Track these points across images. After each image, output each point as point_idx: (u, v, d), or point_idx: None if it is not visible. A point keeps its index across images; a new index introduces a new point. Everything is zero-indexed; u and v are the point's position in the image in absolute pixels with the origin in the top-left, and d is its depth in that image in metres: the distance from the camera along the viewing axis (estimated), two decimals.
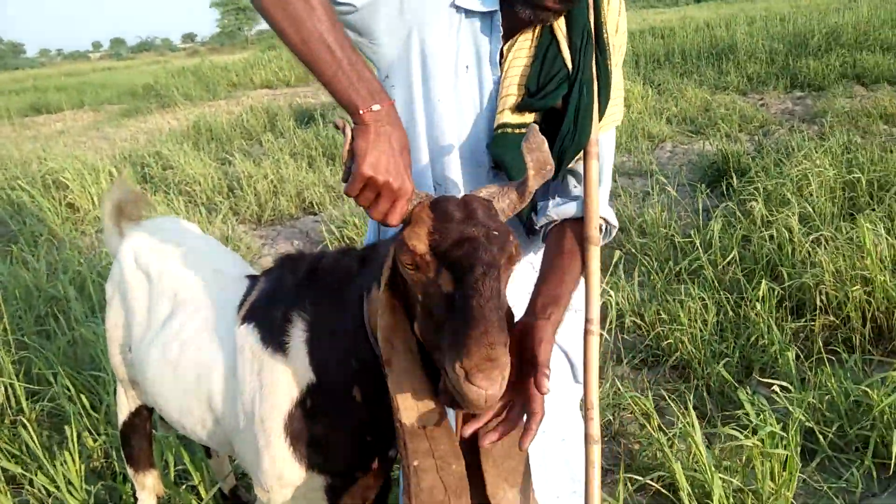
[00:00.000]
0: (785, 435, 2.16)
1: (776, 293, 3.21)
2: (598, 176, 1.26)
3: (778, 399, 2.44)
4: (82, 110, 16.71)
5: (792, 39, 11.51)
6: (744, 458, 2.24)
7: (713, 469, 2.03)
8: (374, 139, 1.03)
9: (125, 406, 1.92)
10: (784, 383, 2.56)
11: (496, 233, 0.98)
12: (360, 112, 1.04)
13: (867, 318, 3.04)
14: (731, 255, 3.56)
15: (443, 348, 0.94)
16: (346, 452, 1.31)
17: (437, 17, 1.29)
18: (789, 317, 3.18)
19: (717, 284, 3.43)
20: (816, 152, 4.75)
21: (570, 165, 1.32)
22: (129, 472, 1.98)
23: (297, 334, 1.31)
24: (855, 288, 3.01)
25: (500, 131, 1.26)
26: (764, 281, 3.18)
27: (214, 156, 8.06)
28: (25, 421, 2.70)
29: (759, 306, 3.12)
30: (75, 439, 2.36)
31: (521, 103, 1.25)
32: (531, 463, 1.20)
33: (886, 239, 3.27)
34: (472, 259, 0.95)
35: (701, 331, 3.06)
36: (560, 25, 1.25)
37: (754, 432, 2.35)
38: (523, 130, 1.23)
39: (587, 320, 1.30)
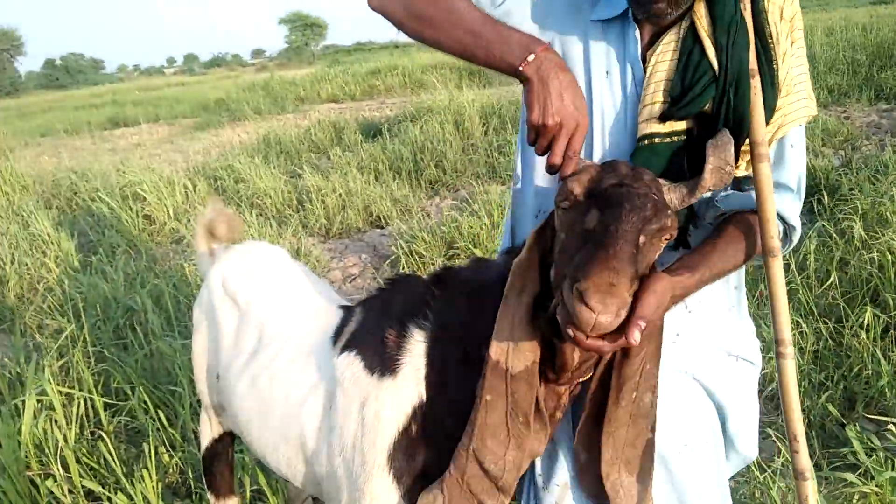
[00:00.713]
0: None
1: (881, 321, 2.97)
2: (770, 180, 1.15)
3: (892, 438, 2.23)
4: (157, 124, 17.33)
5: (875, 50, 10.98)
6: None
7: None
8: (538, 88, 1.10)
9: (209, 432, 1.88)
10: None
11: (655, 198, 1.01)
12: (520, 68, 1.12)
13: None
14: (831, 279, 3.33)
15: (567, 275, 0.94)
16: None
17: (577, 28, 1.28)
18: (895, 347, 2.94)
19: (813, 310, 3.21)
20: None
21: (738, 174, 1.22)
22: (210, 498, 1.94)
23: (416, 346, 1.27)
24: None
25: (646, 142, 1.18)
26: (868, 307, 2.95)
27: (284, 169, 8.18)
28: (104, 434, 2.72)
29: (862, 334, 2.89)
30: (153, 456, 2.34)
31: (664, 112, 1.17)
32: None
33: None
34: (621, 198, 0.98)
35: (798, 359, 2.85)
36: (704, 24, 1.15)
37: (865, 474, 2.16)
38: (674, 139, 1.17)
39: (778, 342, 1.20)
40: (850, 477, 2.03)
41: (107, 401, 3.02)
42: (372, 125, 10.58)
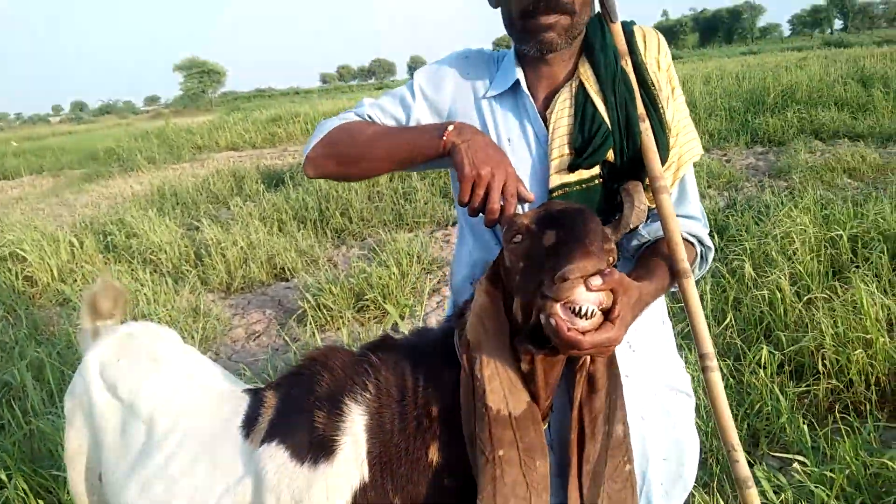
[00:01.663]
0: None
1: (776, 357, 3.11)
2: (672, 209, 1.24)
3: (798, 475, 2.31)
4: (41, 176, 16.35)
5: (749, 97, 11.87)
6: None
7: None
8: (464, 148, 1.18)
9: None
10: (800, 457, 2.43)
11: (598, 224, 1.06)
12: (443, 140, 1.21)
13: (870, 381, 2.96)
14: (728, 320, 3.47)
15: (542, 286, 0.97)
16: None
17: (475, 110, 1.37)
18: (790, 382, 3.08)
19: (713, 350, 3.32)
20: (795, 209, 4.75)
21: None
22: None
23: (353, 423, 1.19)
24: (857, 351, 2.92)
25: (559, 192, 1.26)
26: (764, 346, 3.08)
27: (180, 221, 7.85)
28: None
29: (760, 372, 3.02)
30: None
31: (570, 163, 1.25)
32: None
33: (882, 299, 3.22)
34: (574, 213, 1.05)
35: (703, 399, 2.93)
36: (591, 83, 1.27)
37: None
38: (584, 187, 1.26)
39: (703, 356, 1.24)
40: None
41: None
42: (274, 174, 10.38)
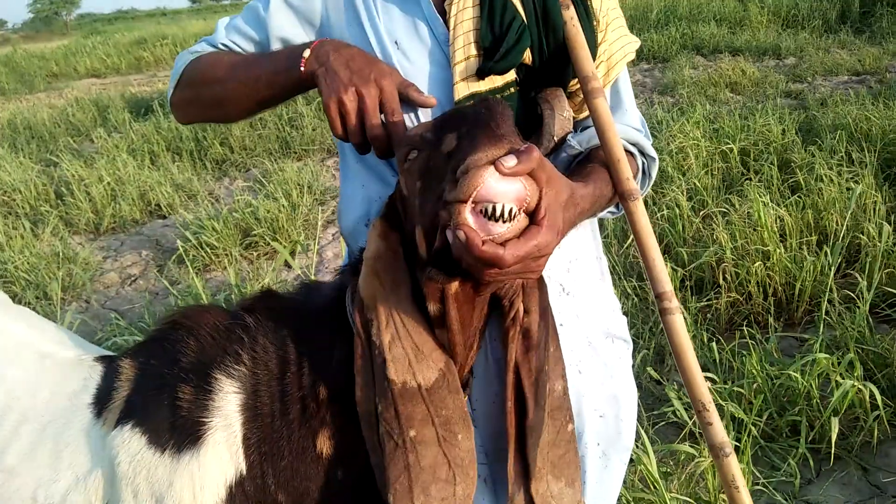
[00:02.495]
0: (738, 444, 2.00)
1: (678, 274, 3.10)
2: (610, 115, 1.02)
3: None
4: None
5: (633, 13, 11.92)
6: (689, 469, 2.07)
7: (664, 490, 1.83)
8: (322, 73, 0.99)
9: None
10: (708, 373, 2.42)
11: (509, 113, 0.84)
12: (301, 68, 1.01)
13: (768, 292, 3.00)
14: (630, 239, 3.43)
15: (443, 195, 0.76)
16: None
17: (351, 10, 1.09)
18: (692, 297, 3.09)
19: (618, 270, 3.28)
20: (688, 124, 4.77)
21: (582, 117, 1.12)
22: None
23: (226, 402, 0.95)
24: (756, 264, 2.95)
25: (466, 104, 0.99)
26: (668, 263, 3.06)
27: (37, 157, 7.04)
28: None
29: None
30: None
31: (479, 67, 1.01)
32: None
33: (776, 210, 3.26)
34: (478, 106, 0.82)
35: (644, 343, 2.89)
36: None
37: (692, 435, 2.20)
38: (506, 93, 1.03)
39: (660, 296, 1.03)
40: (684, 447, 2.04)
41: None
42: (142, 101, 9.48)
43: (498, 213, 0.73)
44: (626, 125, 1.12)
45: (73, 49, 18.69)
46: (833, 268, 2.86)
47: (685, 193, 3.75)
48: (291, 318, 0.99)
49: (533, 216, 0.77)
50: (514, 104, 1.04)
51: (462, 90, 1.01)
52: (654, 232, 3.25)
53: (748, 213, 3.33)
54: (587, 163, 1.05)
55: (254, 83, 1.08)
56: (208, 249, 4.27)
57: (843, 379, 2.23)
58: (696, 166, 4.13)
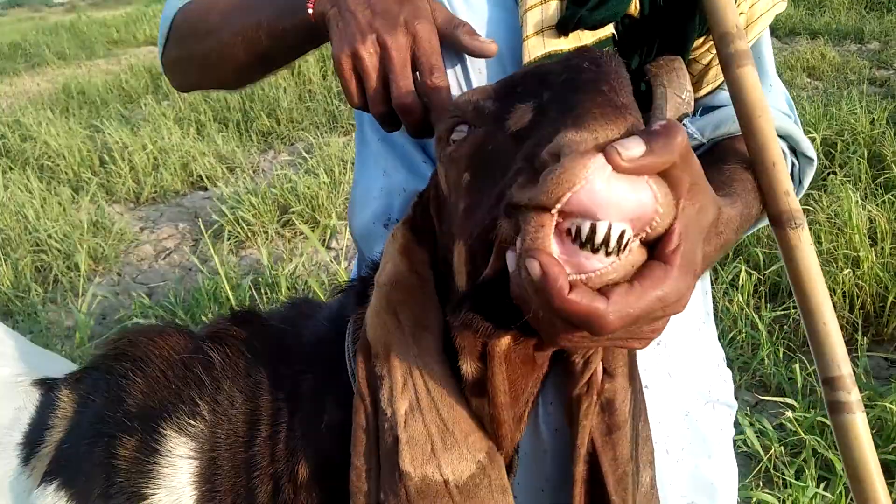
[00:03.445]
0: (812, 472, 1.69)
1: (752, 278, 2.76)
2: (760, 92, 0.69)
3: (788, 423, 1.98)
4: None
5: None
6: None
7: None
8: (335, 16, 0.72)
9: None
10: (788, 400, 2.10)
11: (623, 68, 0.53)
12: (308, 10, 0.75)
13: (855, 304, 2.64)
14: None
15: (509, 193, 0.47)
16: None
17: None
18: (767, 305, 2.75)
19: None
20: None
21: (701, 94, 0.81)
22: None
23: (176, 468, 0.71)
24: (845, 271, 2.59)
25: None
26: (743, 266, 2.72)
27: (86, 123, 7.00)
28: None
29: (736, 295, 2.66)
30: None
31: (564, 17, 0.70)
32: None
33: (868, 211, 2.88)
34: (576, 60, 0.52)
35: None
36: None
37: (765, 472, 1.89)
38: None
39: (830, 382, 0.72)
40: (763, 496, 1.73)
41: None
42: None
43: (600, 238, 0.44)
44: (773, 107, 0.79)
45: (134, 17, 18.88)
46: None
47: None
48: (270, 358, 0.74)
49: (656, 247, 0.47)
50: None
51: (535, 48, 0.72)
52: None
53: (836, 212, 2.95)
54: (718, 163, 0.74)
55: (253, 31, 0.83)
56: (245, 225, 4.08)
57: None
58: None
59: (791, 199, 0.70)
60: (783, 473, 1.86)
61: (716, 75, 0.81)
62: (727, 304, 2.68)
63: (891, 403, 1.99)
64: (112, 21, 18.52)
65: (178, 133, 5.96)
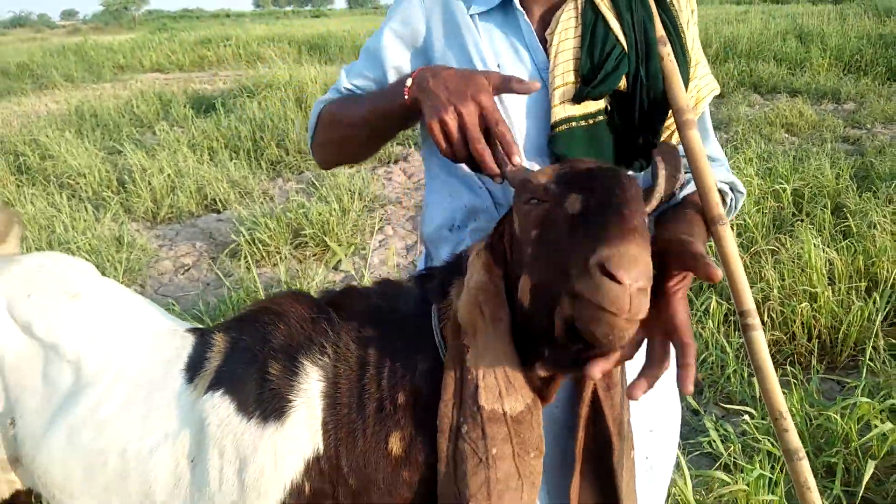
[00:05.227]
0: (772, 476, 2.01)
1: (722, 308, 3.11)
2: (702, 146, 1.06)
3: (747, 427, 2.31)
4: None
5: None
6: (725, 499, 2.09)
7: None
8: (423, 97, 1.01)
9: None
10: (748, 409, 2.43)
11: (639, 192, 0.88)
12: (405, 97, 1.05)
13: (812, 334, 3.00)
14: None
15: (566, 267, 0.79)
16: None
17: (454, 33, 1.16)
18: (734, 333, 3.09)
19: None
20: (741, 161, 4.76)
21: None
22: None
23: (310, 386, 1.03)
24: (803, 305, 2.95)
25: (563, 127, 1.09)
26: (714, 297, 3.07)
27: (101, 145, 7.32)
28: None
29: (707, 322, 3.01)
30: None
31: (577, 92, 1.08)
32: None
33: (827, 253, 3.25)
34: (607, 174, 0.85)
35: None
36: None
37: (726, 467, 2.21)
38: (590, 122, 1.10)
39: (742, 313, 1.06)
40: (719, 474, 2.06)
41: None
42: (203, 99, 9.80)
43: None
44: (714, 158, 1.19)
45: (140, 43, 19.33)
46: (881, 314, 2.84)
47: (735, 230, 3.76)
48: (374, 322, 1.06)
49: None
50: (604, 132, 1.11)
51: (559, 113, 1.08)
52: None
53: (798, 253, 3.33)
54: (683, 208, 1.10)
55: (370, 116, 1.15)
56: (260, 245, 4.40)
57: (883, 424, 2.23)
58: (747, 203, 4.12)
59: (719, 207, 1.06)
60: (740, 461, 2.18)
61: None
62: (700, 329, 3.02)
63: (833, 413, 2.32)
64: (118, 47, 18.95)
65: (193, 158, 6.29)
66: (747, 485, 1.95)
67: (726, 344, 2.88)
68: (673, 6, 1.12)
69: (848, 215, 3.88)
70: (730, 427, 2.39)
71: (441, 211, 1.22)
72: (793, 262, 3.28)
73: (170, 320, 1.27)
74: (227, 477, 1.02)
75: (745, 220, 3.88)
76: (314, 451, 1.01)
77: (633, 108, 1.09)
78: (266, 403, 1.02)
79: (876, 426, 2.24)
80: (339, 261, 3.79)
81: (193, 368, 1.12)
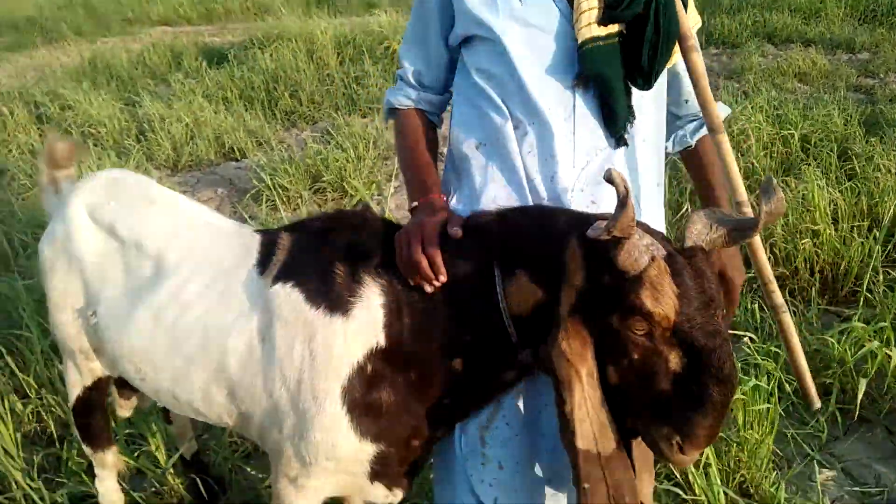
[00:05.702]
0: (766, 386, 2.17)
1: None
2: (703, 68, 1.28)
3: (748, 350, 2.46)
4: None
5: None
6: None
7: None
8: (405, 228, 1.24)
9: (78, 381, 1.64)
10: (749, 333, 2.59)
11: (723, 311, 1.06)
12: (409, 209, 1.34)
13: (814, 269, 3.13)
14: (684, 209, 3.58)
15: (654, 413, 1.04)
16: (416, 420, 1.20)
17: None
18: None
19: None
20: (751, 109, 4.83)
21: (668, 66, 1.34)
22: (87, 450, 1.74)
23: (371, 297, 1.18)
24: (804, 241, 3.07)
25: (590, 45, 1.25)
26: None
27: (117, 96, 7.42)
28: None
29: None
30: (7, 405, 2.08)
31: (604, 16, 1.24)
32: None
33: (830, 194, 3.36)
34: (721, 357, 0.99)
35: None
36: None
37: None
38: (611, 42, 1.26)
39: (739, 203, 1.33)
40: None
41: None
42: (214, 51, 9.79)
43: None
44: None
45: None
46: (880, 249, 2.97)
47: (742, 172, 3.86)
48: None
49: None
50: (618, 53, 1.27)
51: (586, 33, 1.24)
52: None
53: (803, 194, 3.44)
54: (704, 158, 1.41)
55: (404, 169, 1.44)
56: (281, 190, 4.54)
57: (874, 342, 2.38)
58: (755, 147, 4.21)
59: (719, 119, 1.29)
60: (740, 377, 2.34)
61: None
62: None
63: (830, 337, 2.48)
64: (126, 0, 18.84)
65: (209, 108, 6.39)
66: (744, 394, 2.11)
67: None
68: None
69: (853, 158, 3.98)
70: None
71: (470, 129, 1.37)
72: (798, 201, 3.39)
73: (231, 223, 1.43)
74: (295, 348, 1.18)
75: (753, 164, 3.98)
76: (376, 344, 1.17)
77: (643, 33, 1.24)
78: (332, 299, 1.19)
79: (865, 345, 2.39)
80: (369, 199, 3.93)
81: (263, 262, 1.28)
